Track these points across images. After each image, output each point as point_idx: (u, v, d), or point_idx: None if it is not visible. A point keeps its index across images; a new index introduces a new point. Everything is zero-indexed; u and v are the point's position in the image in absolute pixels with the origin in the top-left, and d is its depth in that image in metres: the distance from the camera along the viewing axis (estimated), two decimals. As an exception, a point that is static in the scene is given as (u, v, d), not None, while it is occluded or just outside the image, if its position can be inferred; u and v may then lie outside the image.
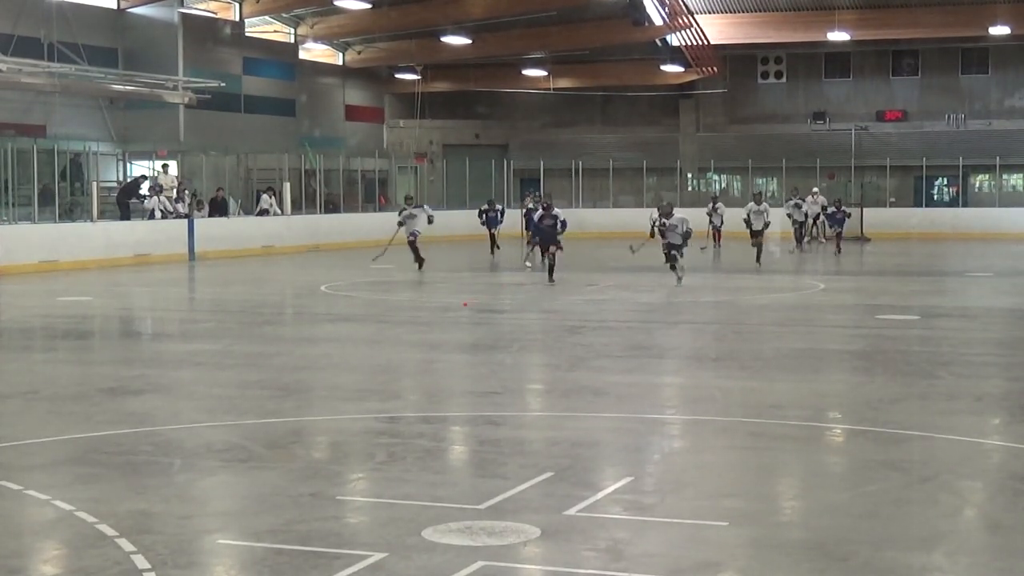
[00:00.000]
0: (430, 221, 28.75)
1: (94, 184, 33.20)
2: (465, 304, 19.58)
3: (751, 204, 31.81)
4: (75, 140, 35.64)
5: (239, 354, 16.37)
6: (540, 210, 27.17)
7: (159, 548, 7.40)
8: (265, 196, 38.13)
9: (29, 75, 34.09)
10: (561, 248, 25.31)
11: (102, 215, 31.88)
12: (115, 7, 38.48)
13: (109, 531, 7.71)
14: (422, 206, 29.72)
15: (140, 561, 7.10)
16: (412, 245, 28.32)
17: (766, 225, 31.05)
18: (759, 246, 30.42)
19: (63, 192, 33.81)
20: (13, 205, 31.06)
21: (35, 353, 18.20)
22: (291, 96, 45.09)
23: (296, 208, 38.79)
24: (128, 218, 32.78)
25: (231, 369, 15.13)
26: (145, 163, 38.34)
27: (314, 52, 46.90)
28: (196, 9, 40.61)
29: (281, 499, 8.68)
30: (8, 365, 16.31)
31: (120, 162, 38.88)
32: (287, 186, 38.49)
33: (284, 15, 44.20)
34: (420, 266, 28.05)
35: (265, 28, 44.11)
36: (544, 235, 25.83)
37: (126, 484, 9.31)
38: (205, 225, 34.27)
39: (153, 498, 8.81)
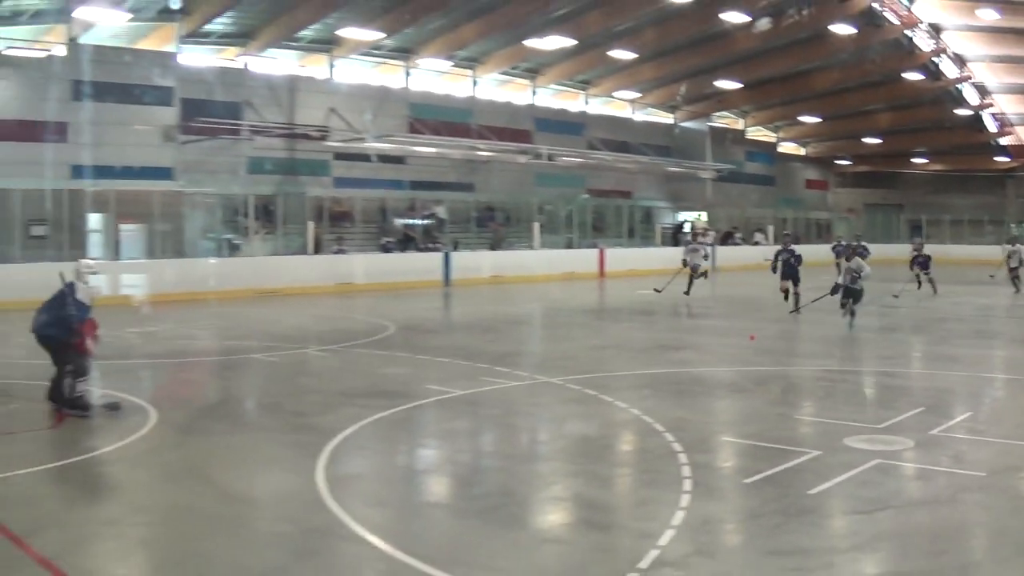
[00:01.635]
0: (705, 257, 33.93)
1: (658, 226, 54.87)
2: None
3: None
4: (647, 200, 56.46)
5: (736, 329, 23.59)
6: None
7: (688, 440, 11.24)
8: (758, 233, 58.46)
9: (623, 163, 53.08)
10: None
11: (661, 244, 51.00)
12: (671, 122, 60.23)
13: (659, 427, 11.91)
14: (707, 243, 35.38)
15: (676, 447, 10.97)
16: (692, 274, 32.00)
17: None
18: None
19: (641, 230, 51.61)
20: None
21: (621, 323, 26.71)
22: (772, 174, 67.44)
23: (776, 241, 50.39)
24: (677, 244, 44.98)
25: (732, 336, 22.18)
26: (687, 213, 58.72)
27: (786, 147, 69.90)
28: (717, 123, 62.07)
29: (760, 415, 13.24)
30: (608, 329, 24.93)
31: (672, 212, 58.71)
32: (770, 228, 58.67)
33: (767, 126, 66.66)
34: (686, 291, 31.50)
35: (757, 133, 67.06)
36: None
37: (671, 401, 14.20)
38: (722, 250, 51.55)
39: (686, 410, 13.37)
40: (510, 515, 9.02)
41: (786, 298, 27.21)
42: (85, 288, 13.11)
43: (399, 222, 43.08)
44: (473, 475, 10.66)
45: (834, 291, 22.96)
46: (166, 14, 36.69)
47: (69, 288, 13.00)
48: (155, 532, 8.76)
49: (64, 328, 12.83)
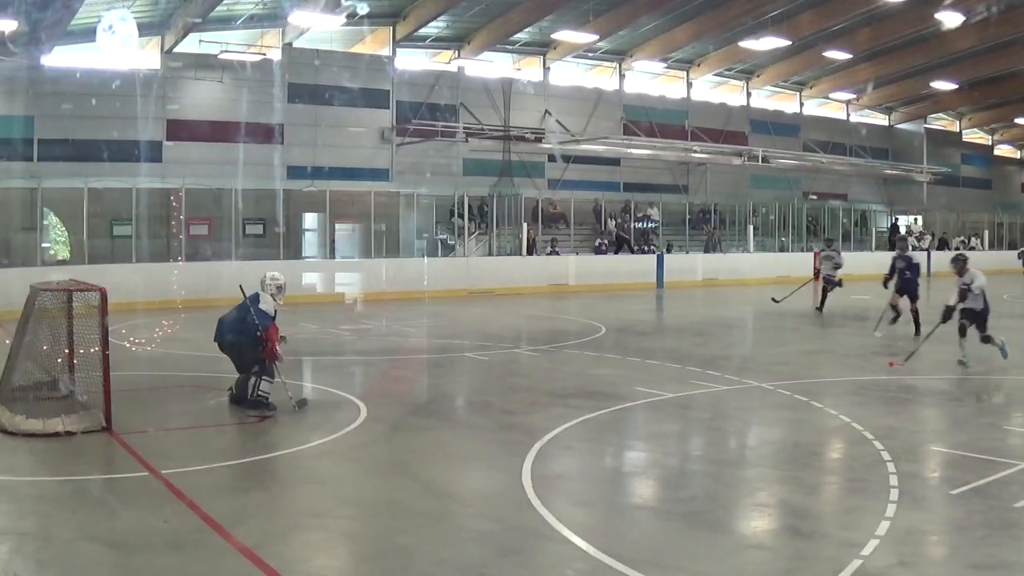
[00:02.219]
0: (837, 267, 28.17)
1: (873, 229, 53.16)
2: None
3: None
4: (862, 203, 54.93)
5: (948, 335, 19.27)
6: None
7: (896, 448, 11.02)
8: (974, 238, 56.26)
9: (838, 164, 52.42)
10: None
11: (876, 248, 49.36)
12: (886, 123, 58.82)
13: (868, 435, 11.69)
14: (837, 251, 28.97)
15: (885, 456, 10.76)
16: (825, 287, 27.96)
17: None
18: None
19: (856, 234, 50.55)
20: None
21: (833, 327, 25.43)
22: (988, 177, 64.85)
23: (993, 246, 55.54)
24: (894, 249, 40.30)
25: (943, 342, 18.71)
26: (903, 216, 57.15)
27: (1003, 150, 66.95)
28: (933, 125, 60.22)
29: (970, 425, 12.89)
30: (820, 334, 24.12)
31: (887, 215, 56.95)
32: (985, 232, 57.36)
33: (983, 128, 63.97)
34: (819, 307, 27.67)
35: (974, 136, 64.35)
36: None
37: (881, 408, 13.85)
38: (936, 256, 46.85)
39: (896, 418, 13.05)
40: (714, 519, 8.90)
41: (895, 317, 22.56)
42: (268, 299, 13.49)
43: (612, 224, 43.19)
44: (679, 478, 10.50)
45: (945, 317, 17.93)
46: (381, 19, 37.61)
47: (252, 300, 13.40)
48: (359, 525, 8.89)
49: (246, 335, 13.24)
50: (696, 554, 7.92)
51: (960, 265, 17.74)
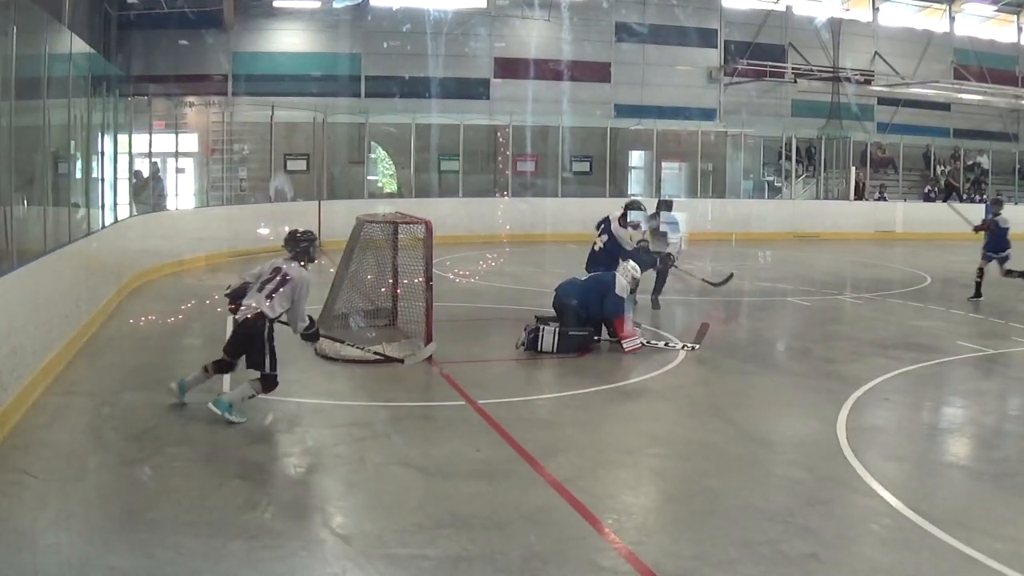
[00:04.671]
0: None
1: None
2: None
3: None
4: None
5: None
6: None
7: None
8: None
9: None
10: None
11: None
12: None
13: None
14: None
15: None
16: None
17: None
18: None
19: None
20: None
21: None
22: None
23: None
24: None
25: None
26: None
27: None
28: None
29: None
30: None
31: None
32: None
33: None
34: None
35: None
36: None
37: None
38: None
39: None
40: (1026, 483, 8.48)
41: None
42: (623, 283, 13.58)
43: (940, 170, 41.62)
44: (995, 438, 10.01)
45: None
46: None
47: (611, 279, 13.53)
48: (669, 464, 8.89)
49: (588, 309, 13.42)
50: (1004, 518, 7.55)
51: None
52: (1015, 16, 44.99)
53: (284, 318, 9.97)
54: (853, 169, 37.19)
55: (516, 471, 8.31)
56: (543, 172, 32.97)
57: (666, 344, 13.71)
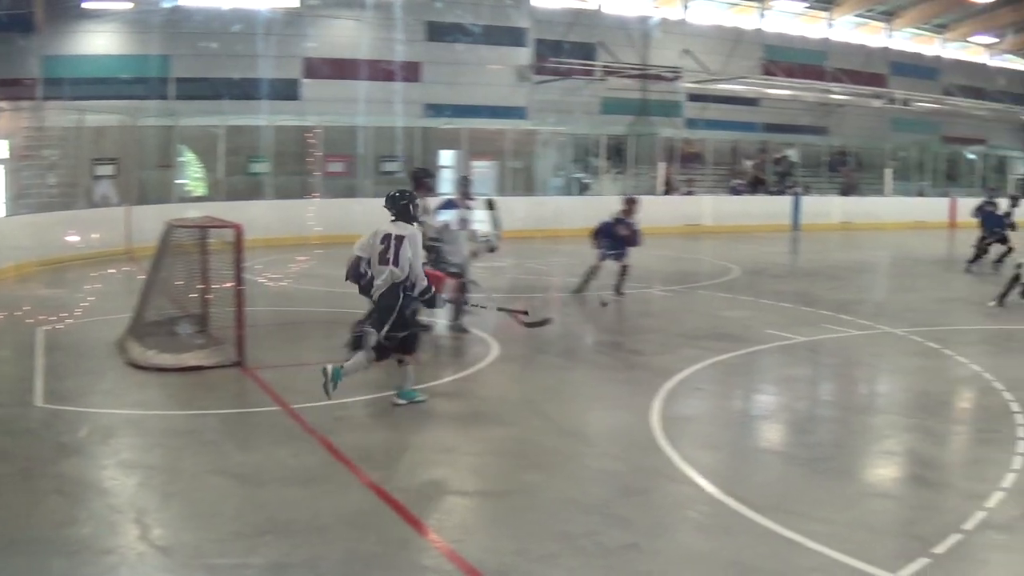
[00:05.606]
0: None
1: (1010, 176, 49.27)
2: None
3: None
4: (1001, 149, 51.37)
5: None
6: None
7: None
8: None
9: (978, 110, 49.16)
10: None
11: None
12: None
13: (999, 386, 11.44)
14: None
15: (1015, 407, 10.47)
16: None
17: None
18: None
19: (992, 180, 45.54)
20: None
21: (969, 275, 23.10)
22: None
23: None
24: None
25: None
26: None
27: None
28: None
29: None
30: (954, 281, 22.93)
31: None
32: None
33: None
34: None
35: None
36: None
37: (1014, 359, 13.65)
38: None
39: None
40: (840, 466, 8.90)
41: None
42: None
43: (748, 164, 42.81)
44: (807, 423, 10.47)
45: None
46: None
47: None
48: (486, 462, 8.97)
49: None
50: (820, 500, 7.90)
51: None
52: (826, 12, 46.50)
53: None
54: (662, 164, 37.88)
55: (334, 475, 8.30)
56: (354, 173, 32.85)
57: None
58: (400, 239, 10.13)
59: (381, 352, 10.42)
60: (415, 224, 10.52)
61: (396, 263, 10.09)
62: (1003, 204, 24.66)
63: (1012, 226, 23.59)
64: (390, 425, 10.06)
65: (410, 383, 10.46)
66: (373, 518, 7.38)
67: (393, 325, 10.13)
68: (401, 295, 10.14)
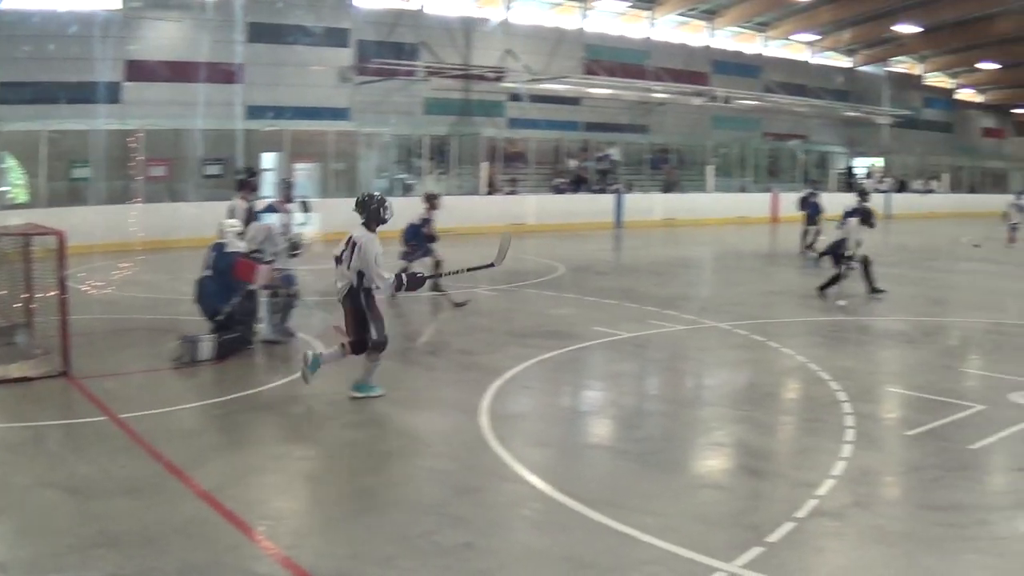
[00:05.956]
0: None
1: (832, 172, 52.42)
2: None
3: None
4: (822, 144, 54.25)
5: (909, 278, 22.62)
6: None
7: (853, 389, 11.22)
8: (934, 181, 55.76)
9: (799, 106, 51.07)
10: None
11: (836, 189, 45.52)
12: (849, 66, 57.55)
13: (825, 376, 11.92)
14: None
15: (841, 396, 10.99)
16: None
17: None
18: None
19: (814, 175, 46.70)
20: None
21: (792, 269, 22.85)
22: (949, 121, 64.17)
23: (953, 189, 55.93)
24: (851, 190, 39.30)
25: (904, 284, 21.27)
26: (862, 159, 56.62)
27: (963, 94, 65.46)
28: (895, 69, 59.60)
29: (927, 367, 13.16)
30: (778, 275, 22.43)
31: (847, 157, 55.56)
32: (946, 176, 57.00)
33: (945, 72, 62.59)
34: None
35: (935, 80, 63.09)
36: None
37: (838, 349, 14.24)
38: (901, 199, 50.00)
39: (853, 359, 13.37)
40: (670, 459, 9.09)
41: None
42: (233, 242, 13.49)
43: (572, 163, 43.17)
44: (635, 418, 10.66)
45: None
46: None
47: (217, 248, 13.41)
48: (319, 466, 8.95)
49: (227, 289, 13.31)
50: (651, 493, 8.05)
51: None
52: (648, 11, 47.14)
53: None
54: (485, 164, 37.98)
55: (164, 485, 8.17)
56: (177, 176, 32.15)
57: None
58: (354, 245, 10.39)
59: (356, 349, 10.76)
60: (377, 229, 10.74)
61: (349, 266, 10.39)
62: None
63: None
64: (219, 432, 9.99)
65: (370, 377, 10.77)
66: (205, 527, 7.29)
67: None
68: (362, 297, 10.49)
